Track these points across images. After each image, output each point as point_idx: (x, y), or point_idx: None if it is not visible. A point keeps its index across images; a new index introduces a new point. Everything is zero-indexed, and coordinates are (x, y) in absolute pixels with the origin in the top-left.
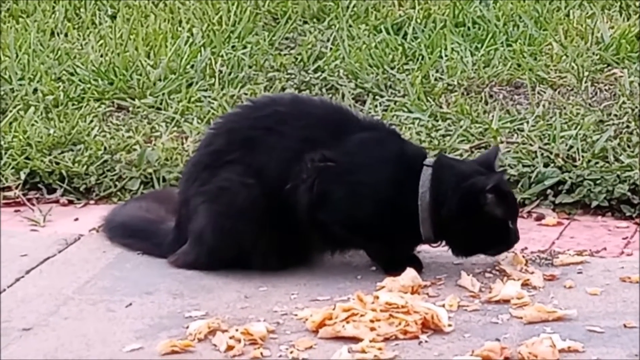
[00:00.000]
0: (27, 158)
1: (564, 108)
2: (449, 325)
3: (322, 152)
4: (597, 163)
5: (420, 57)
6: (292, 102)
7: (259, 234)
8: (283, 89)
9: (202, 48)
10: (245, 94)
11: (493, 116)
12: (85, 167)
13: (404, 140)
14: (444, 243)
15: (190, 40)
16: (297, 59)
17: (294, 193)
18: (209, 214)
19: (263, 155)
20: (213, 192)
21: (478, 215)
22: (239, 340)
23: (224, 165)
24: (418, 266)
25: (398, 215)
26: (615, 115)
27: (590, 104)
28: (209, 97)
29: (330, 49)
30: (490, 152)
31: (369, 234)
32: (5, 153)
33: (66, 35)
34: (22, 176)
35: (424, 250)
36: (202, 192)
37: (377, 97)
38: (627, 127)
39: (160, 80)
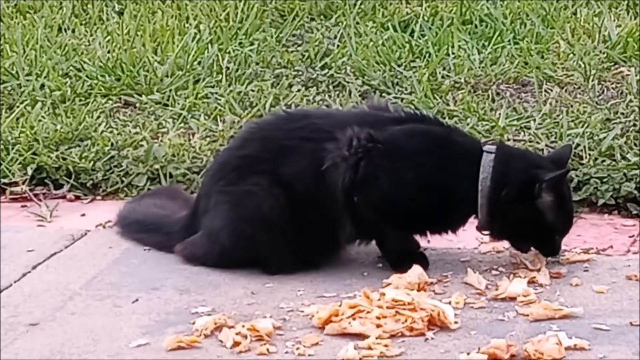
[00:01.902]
0: (34, 153)
1: (571, 106)
2: (455, 323)
3: (368, 131)
4: (603, 161)
5: (427, 55)
6: (326, 115)
7: (279, 244)
8: (290, 85)
9: (209, 44)
10: (252, 90)
11: (500, 114)
12: (92, 162)
13: (453, 128)
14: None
15: (198, 36)
16: (304, 55)
17: (330, 170)
18: (229, 215)
19: (297, 161)
20: (238, 194)
21: (530, 208)
22: (245, 337)
23: (253, 171)
24: (424, 263)
25: (448, 202)
26: (622, 113)
27: (597, 102)
28: (216, 93)
29: (338, 46)
30: (564, 150)
31: (403, 221)
32: (12, 148)
33: (73, 31)
34: (29, 172)
35: (430, 248)
36: (227, 192)
37: (384, 94)
38: (634, 125)
39: (167, 76)
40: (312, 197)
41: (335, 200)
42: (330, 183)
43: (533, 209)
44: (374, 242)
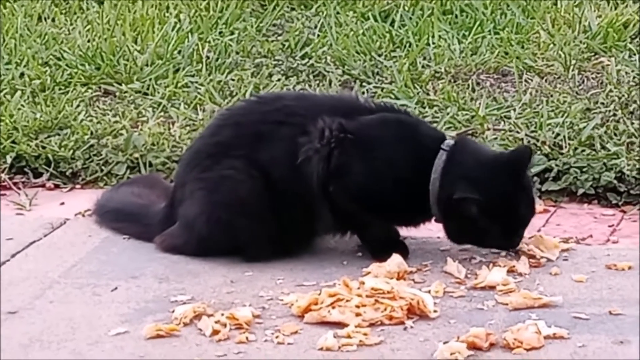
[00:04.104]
0: (13, 142)
1: (551, 96)
2: (435, 311)
3: (339, 122)
4: (583, 151)
5: (407, 45)
6: (298, 97)
7: (257, 228)
8: (270, 75)
9: (190, 34)
10: (232, 79)
11: (480, 103)
12: (71, 151)
13: (420, 120)
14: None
15: (178, 25)
16: (284, 45)
17: (305, 163)
18: (205, 202)
19: (272, 147)
20: (213, 180)
21: (462, 217)
22: (225, 325)
23: (228, 156)
24: (404, 252)
25: (413, 194)
26: (602, 103)
27: (577, 92)
28: (196, 82)
29: (318, 35)
30: (522, 153)
31: (379, 211)
32: None
33: (53, 20)
34: (9, 160)
35: (410, 237)
36: (202, 179)
37: (364, 83)
38: (614, 115)
39: (147, 65)
40: (288, 186)
41: (311, 191)
42: (306, 175)
43: (464, 217)
44: (350, 233)
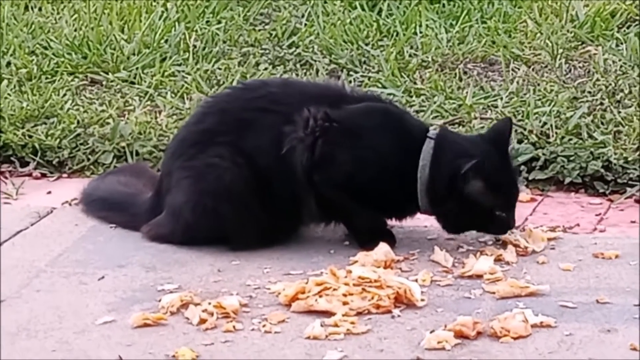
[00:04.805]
0: (0, 131)
1: (538, 85)
2: (422, 300)
3: (324, 111)
4: (570, 140)
5: (394, 34)
6: (283, 84)
7: (243, 216)
8: (257, 64)
9: (176, 23)
10: (219, 68)
11: (467, 92)
12: (58, 140)
13: (405, 110)
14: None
15: (165, 14)
16: (271, 34)
17: (289, 152)
18: (191, 190)
19: (257, 135)
20: (199, 169)
21: (461, 198)
22: (212, 314)
23: (213, 144)
24: (391, 241)
25: (399, 184)
26: (589, 92)
27: (564, 81)
28: (183, 71)
29: (305, 24)
30: (504, 125)
31: (364, 199)
32: None
33: (40, 9)
34: None
35: (397, 226)
36: (187, 167)
37: (351, 72)
38: (601, 104)
39: (134, 54)
40: (273, 174)
41: (297, 180)
42: (291, 164)
43: (466, 199)
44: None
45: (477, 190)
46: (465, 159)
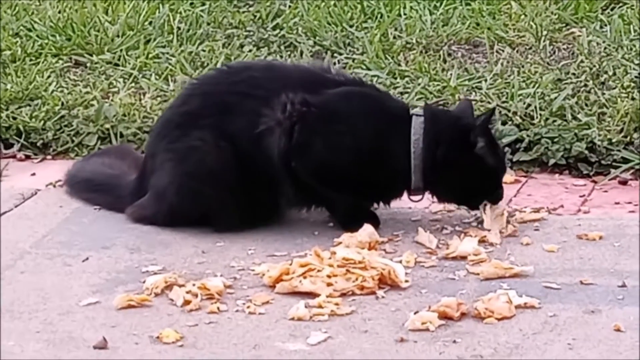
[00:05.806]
0: None
1: (522, 67)
2: (406, 281)
3: (303, 96)
4: (554, 121)
5: (379, 15)
6: (266, 67)
7: (225, 198)
8: (241, 46)
9: (161, 4)
10: (204, 50)
11: (451, 74)
12: (42, 122)
13: (385, 92)
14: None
15: None
16: (255, 16)
17: (266, 135)
18: (174, 172)
19: (238, 119)
20: (182, 151)
21: (469, 157)
22: (196, 295)
23: (196, 126)
24: (375, 222)
25: (384, 167)
26: (574, 74)
27: (548, 63)
28: (167, 53)
29: (289, 6)
30: (465, 105)
31: (343, 185)
32: None
33: None
34: None
35: (382, 207)
36: (171, 149)
37: (335, 54)
38: (585, 85)
39: (118, 36)
40: (252, 159)
41: (273, 165)
42: (267, 148)
43: (473, 158)
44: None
45: (485, 148)
46: (468, 119)
